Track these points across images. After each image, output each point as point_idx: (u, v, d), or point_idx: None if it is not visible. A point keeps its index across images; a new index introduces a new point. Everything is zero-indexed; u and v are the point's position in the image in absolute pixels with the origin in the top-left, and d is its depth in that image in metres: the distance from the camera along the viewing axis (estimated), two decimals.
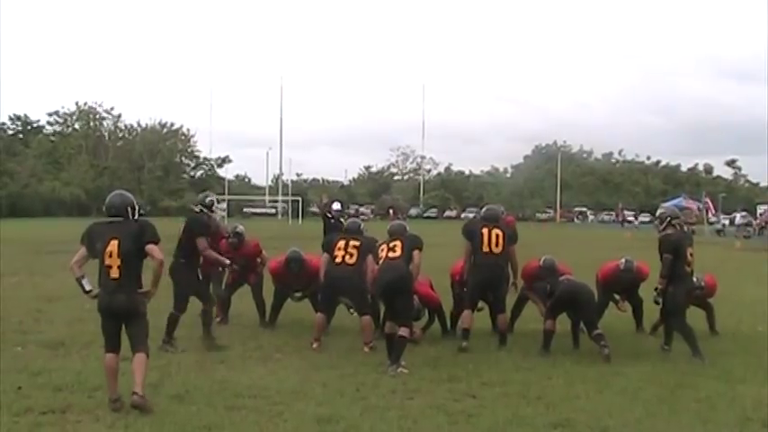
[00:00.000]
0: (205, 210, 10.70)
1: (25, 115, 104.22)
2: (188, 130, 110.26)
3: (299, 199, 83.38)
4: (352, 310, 10.78)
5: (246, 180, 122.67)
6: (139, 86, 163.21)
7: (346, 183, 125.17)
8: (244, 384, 8.27)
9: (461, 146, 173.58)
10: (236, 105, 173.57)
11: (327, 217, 21.62)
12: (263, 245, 12.78)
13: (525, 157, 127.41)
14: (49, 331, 11.25)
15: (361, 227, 11.05)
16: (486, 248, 10.52)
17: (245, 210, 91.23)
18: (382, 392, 8.07)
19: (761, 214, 68.86)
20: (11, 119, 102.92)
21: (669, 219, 10.45)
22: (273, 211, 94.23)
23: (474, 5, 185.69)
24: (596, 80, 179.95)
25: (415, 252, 9.61)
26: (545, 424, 7.10)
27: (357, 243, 10.44)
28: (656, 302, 10.30)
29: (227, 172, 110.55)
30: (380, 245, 9.91)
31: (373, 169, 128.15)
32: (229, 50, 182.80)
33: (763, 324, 12.82)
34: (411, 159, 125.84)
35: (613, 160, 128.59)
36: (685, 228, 11.20)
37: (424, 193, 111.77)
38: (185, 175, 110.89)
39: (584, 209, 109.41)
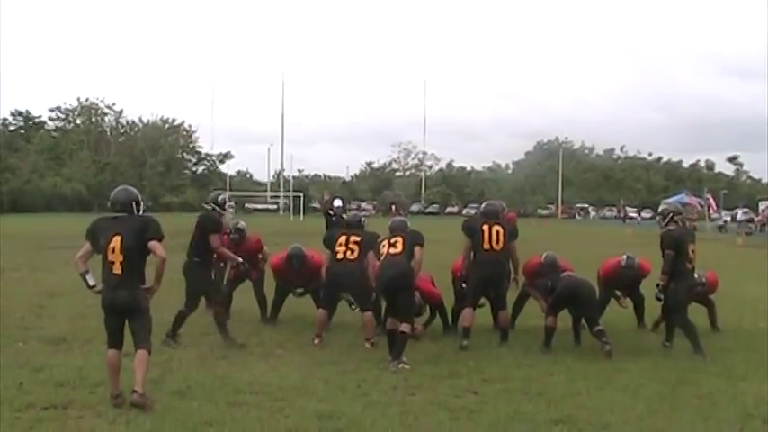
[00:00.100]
0: (217, 208, 10.70)
1: (27, 111, 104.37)
2: (190, 126, 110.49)
3: (301, 195, 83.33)
4: (353, 306, 10.77)
5: (248, 176, 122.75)
6: (141, 82, 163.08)
7: (348, 179, 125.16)
8: (245, 380, 8.27)
9: (463, 142, 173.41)
10: (238, 101, 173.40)
11: (329, 214, 21.63)
12: (264, 241, 12.79)
13: (527, 154, 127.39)
14: (51, 327, 11.26)
15: (362, 220, 11.05)
16: (486, 246, 10.50)
17: (246, 206, 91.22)
18: (383, 388, 8.08)
19: (762, 211, 68.89)
20: (12, 114, 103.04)
21: (671, 215, 10.45)
22: (275, 207, 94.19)
23: (475, 2, 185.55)
24: (598, 76, 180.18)
25: (417, 248, 9.61)
26: (546, 420, 7.10)
27: (358, 238, 10.43)
28: (658, 299, 10.29)
29: (228, 168, 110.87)
30: (381, 241, 9.91)
31: (375, 165, 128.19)
32: (231, 46, 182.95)
33: (765, 321, 12.82)
34: (413, 155, 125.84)
35: (615, 156, 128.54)
36: (687, 224, 11.20)
37: (425, 190, 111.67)
38: (187, 171, 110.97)
39: (586, 205, 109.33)
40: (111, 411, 7.04)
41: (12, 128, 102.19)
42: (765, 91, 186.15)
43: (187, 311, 10.21)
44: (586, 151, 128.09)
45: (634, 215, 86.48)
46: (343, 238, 10.45)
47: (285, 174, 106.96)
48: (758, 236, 51.12)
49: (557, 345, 10.23)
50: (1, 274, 18.08)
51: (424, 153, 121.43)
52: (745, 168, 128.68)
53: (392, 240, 9.68)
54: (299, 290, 11.98)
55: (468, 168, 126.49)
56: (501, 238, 10.51)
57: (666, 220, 10.43)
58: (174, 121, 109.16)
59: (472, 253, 10.67)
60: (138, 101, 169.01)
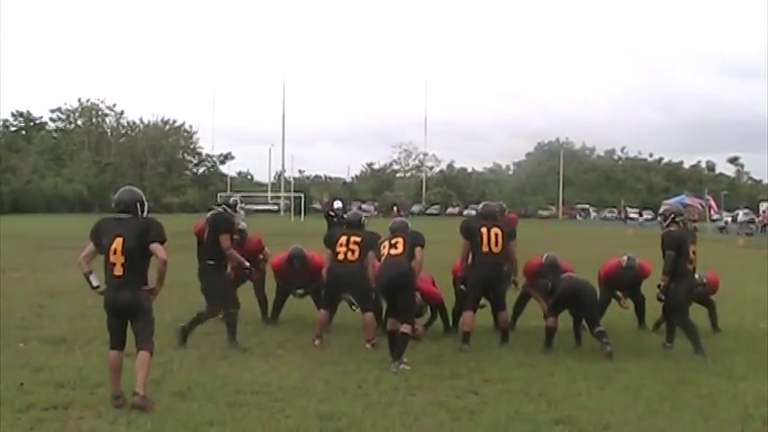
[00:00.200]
0: (229, 209, 10.70)
1: (28, 112, 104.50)
2: (190, 126, 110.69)
3: (302, 195, 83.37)
4: (354, 307, 10.77)
5: (249, 177, 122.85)
6: (142, 83, 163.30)
7: (349, 179, 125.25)
8: (246, 381, 8.27)
9: (463, 142, 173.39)
10: (239, 102, 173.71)
11: (330, 216, 21.61)
12: (265, 241, 12.79)
13: (527, 154, 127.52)
14: (52, 327, 11.26)
15: (363, 219, 11.05)
16: (485, 248, 10.44)
17: (247, 206, 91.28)
18: (384, 389, 8.08)
19: (763, 211, 68.84)
20: (13, 115, 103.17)
21: (673, 216, 10.45)
22: (276, 207, 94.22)
23: (476, 2, 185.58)
24: (598, 77, 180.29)
25: (417, 249, 9.61)
26: (547, 421, 7.10)
27: (358, 239, 10.43)
28: (660, 300, 10.29)
29: (229, 169, 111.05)
30: (382, 241, 9.91)
31: (376, 166, 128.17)
32: (232, 47, 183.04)
33: (765, 321, 12.82)
34: (413, 156, 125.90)
35: (616, 157, 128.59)
36: (688, 225, 11.20)
37: (426, 190, 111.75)
38: (188, 172, 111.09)
39: (587, 206, 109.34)
40: (112, 412, 7.03)
41: (13, 128, 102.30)
42: (766, 91, 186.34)
43: (208, 314, 10.21)
44: (587, 152, 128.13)
45: (635, 216, 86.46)
46: (343, 239, 10.45)
47: (286, 174, 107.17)
48: (759, 236, 51.14)
49: (557, 345, 10.23)
50: (2, 275, 18.09)
51: (425, 154, 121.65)
52: (745, 169, 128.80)
53: (393, 241, 9.68)
54: (300, 290, 11.98)
55: (469, 169, 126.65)
56: (500, 240, 10.47)
57: (668, 221, 10.43)
58: (174, 121, 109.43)
59: (471, 255, 10.64)
60: (138, 102, 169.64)
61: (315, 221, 43.94)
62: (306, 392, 7.86)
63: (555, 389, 8.25)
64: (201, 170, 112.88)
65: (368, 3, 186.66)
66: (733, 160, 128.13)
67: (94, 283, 7.40)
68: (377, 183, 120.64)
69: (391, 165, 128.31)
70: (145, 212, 7.53)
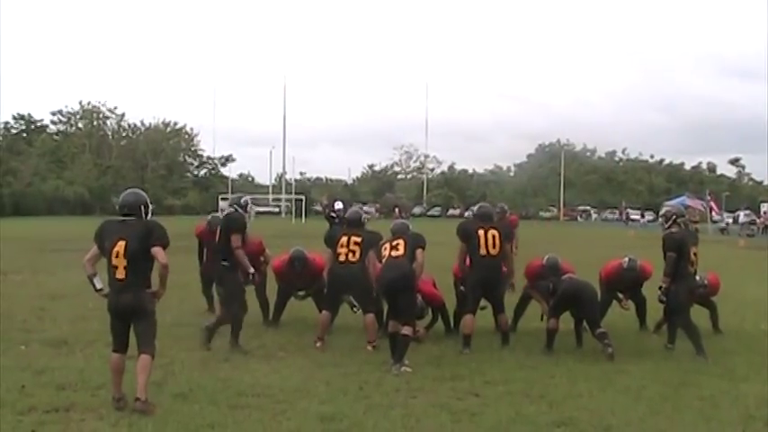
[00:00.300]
0: (240, 209, 10.69)
1: (29, 114, 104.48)
2: (191, 129, 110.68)
3: (303, 197, 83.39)
4: (355, 309, 10.77)
5: (250, 179, 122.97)
6: (143, 85, 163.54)
7: (350, 181, 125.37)
8: (247, 383, 8.27)
9: (464, 144, 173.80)
10: (240, 104, 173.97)
11: (332, 217, 21.58)
12: (266, 243, 12.79)
13: (529, 156, 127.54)
14: (53, 329, 11.26)
15: (363, 217, 11.03)
16: (483, 251, 10.38)
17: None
18: (385, 391, 8.07)
19: (764, 213, 68.87)
20: (14, 118, 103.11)
21: (674, 217, 10.44)
22: (277, 209, 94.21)
23: (476, 3, 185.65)
24: (599, 78, 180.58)
25: (418, 251, 9.61)
26: (548, 422, 7.10)
27: (358, 239, 10.42)
28: (661, 301, 10.28)
29: (230, 171, 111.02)
30: (383, 243, 9.91)
31: (377, 168, 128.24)
32: (232, 49, 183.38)
33: (766, 322, 12.81)
34: (414, 158, 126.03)
35: (617, 158, 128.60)
36: (690, 227, 11.20)
37: (427, 192, 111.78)
38: (189, 174, 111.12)
39: (588, 207, 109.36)
40: (113, 414, 7.03)
41: (14, 131, 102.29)
42: (766, 92, 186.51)
43: (240, 313, 10.23)
44: (588, 153, 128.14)
45: (637, 217, 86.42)
46: (344, 239, 10.44)
47: (287, 176, 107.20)
48: (760, 238, 51.13)
49: (558, 347, 10.23)
50: (3, 277, 18.10)
51: (426, 155, 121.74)
52: (746, 170, 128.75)
53: (394, 243, 9.68)
54: (301, 292, 11.97)
55: (470, 171, 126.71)
56: (497, 241, 10.41)
57: (669, 222, 10.42)
58: (175, 124, 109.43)
59: (468, 257, 10.62)
60: (139, 104, 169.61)
61: (316, 223, 43.93)
62: (307, 394, 7.86)
63: (556, 390, 8.25)
64: (202, 172, 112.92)
65: (368, 5, 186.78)
66: (734, 161, 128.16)
67: (98, 286, 7.40)
68: (378, 184, 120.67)
69: (392, 166, 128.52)
70: (149, 215, 7.53)
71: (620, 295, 12.00)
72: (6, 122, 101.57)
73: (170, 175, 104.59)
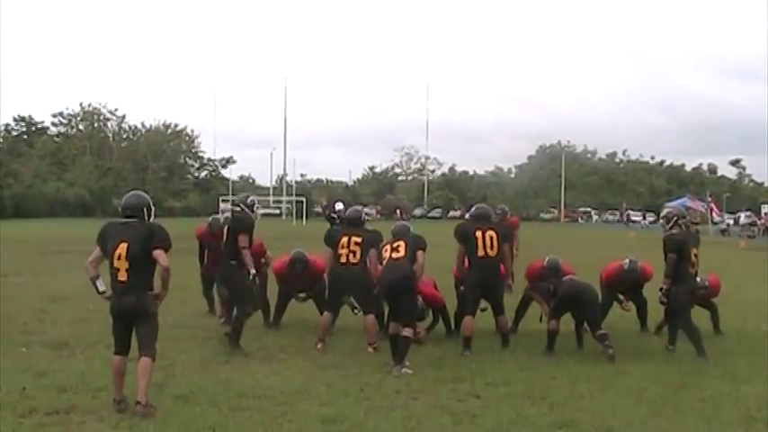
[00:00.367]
0: (246, 209, 10.69)
1: (29, 116, 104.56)
2: (192, 130, 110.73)
3: (303, 199, 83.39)
4: (356, 311, 10.77)
5: (251, 181, 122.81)
6: (143, 87, 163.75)
7: (350, 183, 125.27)
8: (248, 385, 8.28)
9: (465, 145, 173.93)
10: (240, 106, 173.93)
11: (332, 218, 21.55)
12: (267, 245, 12.79)
13: (529, 157, 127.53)
14: (54, 332, 11.26)
15: (363, 216, 11.02)
16: (481, 252, 10.36)
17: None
18: (386, 392, 8.07)
19: (765, 214, 68.80)
20: (15, 120, 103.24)
21: (675, 218, 10.44)
22: (278, 211, 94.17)
23: (477, 5, 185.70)
24: (599, 79, 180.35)
25: (419, 252, 9.62)
26: (549, 424, 7.10)
27: (359, 239, 10.41)
28: (662, 303, 10.28)
29: (231, 173, 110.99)
30: (384, 245, 9.91)
31: (377, 169, 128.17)
32: (233, 51, 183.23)
33: (767, 323, 12.79)
34: (415, 159, 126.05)
35: (617, 160, 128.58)
36: (691, 228, 11.19)
37: (428, 194, 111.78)
38: (189, 176, 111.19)
39: (589, 209, 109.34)
40: (114, 416, 7.03)
41: (15, 133, 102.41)
42: (766, 93, 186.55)
43: (250, 310, 10.28)
44: (589, 155, 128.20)
45: (638, 218, 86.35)
46: (344, 240, 10.42)
47: (288, 178, 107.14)
48: (761, 239, 51.08)
49: (559, 348, 10.23)
50: (4, 279, 18.11)
51: (427, 157, 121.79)
52: (747, 172, 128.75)
53: (394, 244, 9.68)
54: (302, 294, 11.98)
55: (471, 172, 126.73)
56: (495, 242, 10.38)
57: (670, 224, 10.42)
58: (176, 125, 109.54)
59: (467, 258, 10.61)
60: (140, 106, 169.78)
61: (316, 225, 43.89)
62: (308, 396, 7.86)
63: (557, 392, 8.25)
64: (203, 174, 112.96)
65: (369, 6, 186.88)
66: (735, 163, 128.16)
67: (101, 288, 7.39)
68: (378, 186, 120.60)
69: (393, 168, 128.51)
70: (151, 217, 7.52)
71: (621, 297, 12.00)
72: (7, 124, 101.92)
73: (171, 177, 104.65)
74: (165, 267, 7.20)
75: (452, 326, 11.35)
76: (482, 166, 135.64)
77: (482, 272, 10.39)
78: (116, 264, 7.22)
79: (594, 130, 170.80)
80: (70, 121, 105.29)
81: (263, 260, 12.38)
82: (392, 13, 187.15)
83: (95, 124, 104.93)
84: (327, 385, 8.32)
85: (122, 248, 7.20)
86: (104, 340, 9.77)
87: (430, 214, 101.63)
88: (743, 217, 65.05)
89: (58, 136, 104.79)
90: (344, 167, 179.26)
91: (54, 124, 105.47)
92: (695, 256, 10.27)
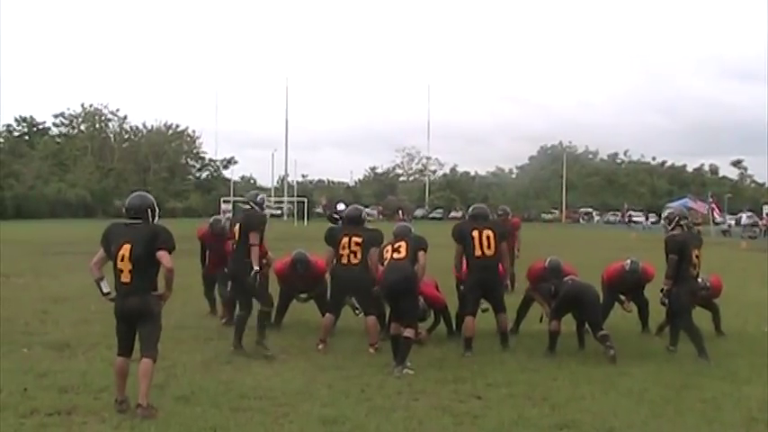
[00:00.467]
0: (256, 207, 10.68)
1: (31, 117, 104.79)
2: (193, 131, 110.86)
3: (305, 200, 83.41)
4: (357, 312, 10.77)
5: (252, 181, 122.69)
6: (145, 88, 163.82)
7: (352, 184, 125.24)
8: (249, 385, 8.28)
9: (466, 146, 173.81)
10: (242, 106, 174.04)
11: (334, 219, 21.50)
12: (268, 246, 12.76)
13: (530, 158, 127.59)
14: (55, 332, 11.26)
15: (363, 214, 11.00)
16: (478, 252, 10.36)
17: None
18: (387, 393, 8.07)
19: (767, 214, 68.78)
20: (17, 120, 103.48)
21: (677, 219, 10.44)
22: (279, 212, 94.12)
23: (478, 6, 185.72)
24: (600, 79, 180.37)
25: (420, 253, 9.62)
26: (550, 425, 7.09)
27: (359, 239, 10.41)
28: (663, 304, 10.28)
29: (232, 173, 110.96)
30: (385, 246, 9.91)
31: (379, 170, 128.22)
32: (234, 52, 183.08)
33: None
34: (416, 160, 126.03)
35: (619, 161, 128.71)
36: (693, 229, 11.19)
37: (429, 194, 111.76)
38: (191, 177, 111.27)
39: (590, 209, 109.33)
40: (116, 417, 7.03)
41: (16, 134, 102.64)
42: (766, 94, 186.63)
43: (267, 308, 10.29)
44: (590, 155, 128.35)
45: (640, 219, 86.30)
46: (345, 240, 10.41)
47: (289, 179, 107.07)
48: (762, 240, 51.06)
49: (561, 349, 10.22)
50: (5, 280, 18.12)
51: (428, 158, 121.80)
52: (749, 172, 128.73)
53: (396, 245, 9.69)
54: (303, 295, 11.98)
55: (472, 173, 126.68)
56: (492, 242, 10.37)
57: (672, 225, 10.42)
58: (177, 126, 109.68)
59: (465, 258, 10.61)
60: (141, 107, 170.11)
61: (318, 226, 43.88)
62: (309, 397, 7.86)
63: (558, 393, 8.24)
64: (204, 175, 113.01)
65: (370, 7, 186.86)
66: (736, 163, 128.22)
67: (105, 290, 7.37)
68: (380, 187, 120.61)
69: (394, 169, 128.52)
70: (156, 219, 7.51)
71: (623, 297, 11.99)
72: (8, 125, 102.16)
73: (172, 178, 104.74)
74: (169, 269, 7.20)
75: (453, 327, 11.34)
76: (483, 167, 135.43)
77: (480, 272, 10.38)
78: (119, 265, 7.21)
79: (596, 130, 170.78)
80: (72, 121, 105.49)
81: (264, 261, 12.37)
82: (393, 15, 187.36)
83: (97, 125, 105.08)
84: (329, 386, 8.32)
85: (126, 250, 7.19)
86: (106, 341, 9.79)
87: (431, 215, 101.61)
88: (744, 218, 65.10)
89: (59, 137, 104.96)
90: (346, 168, 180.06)
91: (55, 125, 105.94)
92: (697, 257, 10.26)
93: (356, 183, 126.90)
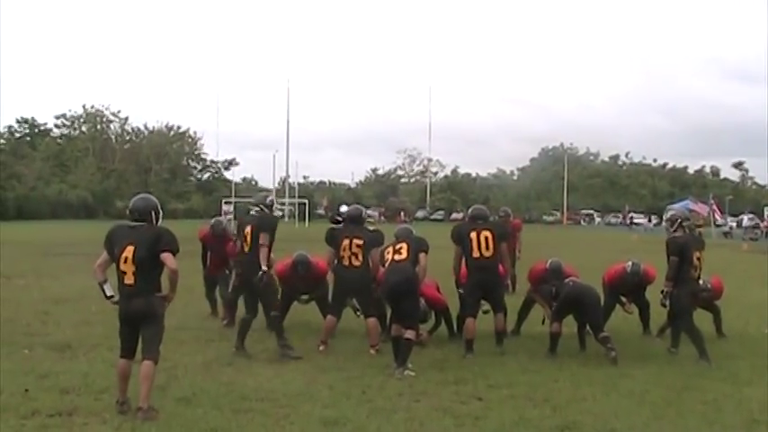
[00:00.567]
0: (266, 210, 10.67)
1: (32, 118, 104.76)
2: (195, 132, 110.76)
3: (306, 201, 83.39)
4: (358, 313, 10.78)
5: (253, 183, 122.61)
6: (146, 89, 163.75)
7: (353, 185, 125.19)
8: (250, 387, 8.28)
9: (467, 147, 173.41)
10: (243, 108, 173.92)
11: (337, 221, 21.46)
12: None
13: (532, 160, 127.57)
14: (56, 333, 11.27)
15: (363, 213, 11.00)
16: (476, 253, 10.36)
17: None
18: (389, 395, 8.07)
19: None
20: (18, 122, 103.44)
21: (680, 221, 10.45)
22: (280, 213, 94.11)
23: (479, 7, 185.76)
24: (601, 81, 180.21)
25: (422, 255, 9.62)
26: (551, 426, 7.09)
27: (360, 242, 10.42)
28: (663, 305, 10.28)
29: (233, 175, 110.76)
30: (386, 247, 9.91)
31: (380, 172, 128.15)
32: (236, 53, 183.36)
33: None
34: (417, 162, 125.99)
35: (620, 162, 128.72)
36: (695, 231, 11.19)
37: (430, 196, 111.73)
38: (192, 178, 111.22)
39: (591, 211, 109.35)
40: (117, 418, 7.04)
41: (17, 135, 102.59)
42: (767, 96, 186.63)
43: (277, 314, 10.23)
44: (591, 157, 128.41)
45: (642, 221, 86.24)
46: (346, 242, 10.42)
47: (290, 180, 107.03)
48: (763, 242, 51.02)
49: (562, 351, 10.23)
50: (7, 281, 18.11)
51: (429, 159, 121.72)
52: (750, 174, 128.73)
53: (397, 247, 9.68)
54: (304, 296, 11.98)
55: (474, 174, 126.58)
56: (490, 243, 10.35)
57: (675, 227, 10.42)
58: (179, 128, 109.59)
59: (464, 260, 10.60)
60: (143, 108, 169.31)
61: (319, 227, 43.88)
62: (310, 398, 7.86)
63: (559, 394, 8.24)
64: (206, 176, 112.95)
65: (371, 8, 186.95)
66: (737, 165, 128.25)
67: (108, 293, 7.37)
68: (381, 188, 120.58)
69: (395, 170, 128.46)
70: (159, 221, 7.49)
71: (624, 299, 11.99)
72: (10, 126, 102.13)
73: (173, 179, 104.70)
74: (173, 270, 7.19)
75: (455, 328, 11.34)
76: (484, 169, 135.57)
77: (479, 273, 10.38)
78: (123, 267, 7.21)
79: (597, 132, 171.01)
80: (73, 122, 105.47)
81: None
82: (394, 16, 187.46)
83: (98, 126, 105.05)
84: (330, 387, 8.33)
85: (129, 252, 7.18)
86: (107, 342, 9.81)
87: (432, 216, 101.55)
88: (745, 219, 65.25)
89: (60, 138, 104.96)
90: (347, 169, 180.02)
91: (57, 126, 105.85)
92: (698, 259, 10.26)
93: (357, 184, 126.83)
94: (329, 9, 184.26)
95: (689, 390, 8.52)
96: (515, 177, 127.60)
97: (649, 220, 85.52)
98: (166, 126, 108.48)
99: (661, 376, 9.14)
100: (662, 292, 10.15)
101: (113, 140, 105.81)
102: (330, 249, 10.65)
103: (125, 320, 7.31)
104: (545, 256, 12.12)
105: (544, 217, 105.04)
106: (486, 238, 10.35)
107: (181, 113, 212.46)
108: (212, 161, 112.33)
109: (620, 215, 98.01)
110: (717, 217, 56.14)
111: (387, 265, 9.65)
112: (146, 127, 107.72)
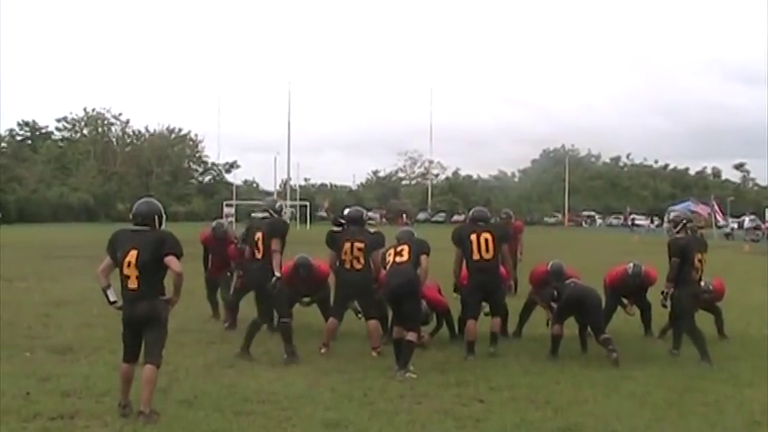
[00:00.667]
0: (276, 215, 10.65)
1: (34, 121, 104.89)
2: (196, 135, 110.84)
3: (307, 204, 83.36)
4: (359, 315, 10.78)
5: (254, 185, 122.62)
6: (147, 92, 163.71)
7: (354, 187, 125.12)
8: (252, 389, 8.28)
9: (469, 149, 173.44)
10: (244, 110, 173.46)
11: (340, 224, 21.45)
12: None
13: (533, 162, 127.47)
14: (58, 336, 11.27)
15: (364, 215, 11.00)
16: (476, 256, 10.35)
17: (253, 215, 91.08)
18: (390, 397, 8.08)
19: None
20: (19, 125, 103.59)
21: (683, 223, 10.46)
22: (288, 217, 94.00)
23: (480, 9, 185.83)
24: (602, 82, 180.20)
25: (423, 257, 9.62)
26: (553, 428, 7.09)
27: (361, 245, 10.41)
28: (664, 306, 10.28)
29: (235, 177, 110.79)
30: (387, 249, 9.91)
31: (381, 174, 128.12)
32: (237, 55, 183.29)
33: None
34: (419, 164, 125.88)
35: (621, 164, 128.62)
36: (697, 233, 11.19)
37: (431, 198, 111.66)
38: (193, 181, 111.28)
39: (593, 213, 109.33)
40: (118, 421, 7.04)
41: (19, 138, 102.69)
42: (767, 97, 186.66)
43: (288, 320, 10.12)
44: (593, 159, 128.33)
45: (644, 222, 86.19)
46: (347, 246, 10.42)
47: (291, 183, 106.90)
48: (765, 243, 50.94)
49: (563, 352, 10.23)
50: (8, 284, 18.12)
51: (431, 161, 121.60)
52: (751, 176, 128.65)
53: (398, 249, 9.69)
54: (306, 299, 11.97)
55: (475, 176, 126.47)
56: (490, 245, 10.34)
57: (677, 228, 10.43)
58: (180, 130, 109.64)
59: (464, 262, 10.59)
60: (144, 111, 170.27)
61: (320, 229, 43.89)
62: (312, 401, 7.86)
63: (561, 396, 8.24)
64: (207, 179, 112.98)
65: (372, 11, 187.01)
66: (739, 166, 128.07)
67: (112, 298, 7.36)
68: (382, 191, 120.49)
69: (397, 172, 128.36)
70: (163, 225, 7.48)
71: (625, 301, 11.98)
72: (11, 129, 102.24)
73: (174, 182, 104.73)
74: (178, 273, 7.18)
75: (456, 330, 11.34)
76: (486, 171, 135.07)
77: (479, 275, 10.38)
78: (126, 271, 7.20)
79: (598, 133, 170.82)
80: (74, 125, 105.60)
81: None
82: (395, 18, 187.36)
83: (99, 129, 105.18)
84: (331, 390, 8.33)
85: (132, 256, 7.18)
86: (108, 345, 9.82)
87: (434, 218, 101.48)
88: (747, 221, 65.20)
89: (62, 141, 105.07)
90: (348, 172, 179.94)
91: (58, 129, 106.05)
92: (700, 261, 10.25)
93: (359, 186, 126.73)
94: (330, 11, 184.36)
95: (690, 391, 8.52)
96: (516, 179, 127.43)
97: (651, 222, 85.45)
98: (167, 129, 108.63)
99: (662, 378, 9.14)
100: (662, 293, 10.16)
101: (114, 143, 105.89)
102: (331, 252, 10.65)
103: (128, 324, 7.30)
104: (546, 258, 12.12)
105: (545, 219, 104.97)
106: (487, 240, 10.35)
107: (182, 116, 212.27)
108: (213, 164, 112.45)
109: (622, 217, 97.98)
110: (718, 218, 56.07)
111: (388, 267, 9.65)
112: (147, 130, 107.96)
